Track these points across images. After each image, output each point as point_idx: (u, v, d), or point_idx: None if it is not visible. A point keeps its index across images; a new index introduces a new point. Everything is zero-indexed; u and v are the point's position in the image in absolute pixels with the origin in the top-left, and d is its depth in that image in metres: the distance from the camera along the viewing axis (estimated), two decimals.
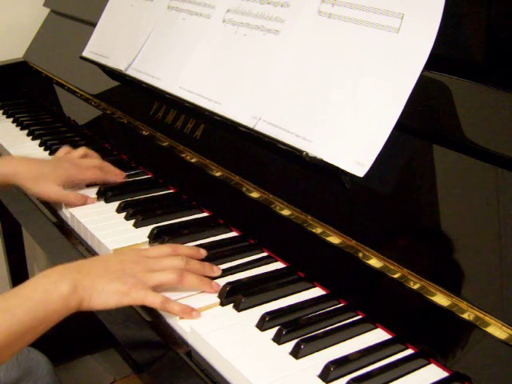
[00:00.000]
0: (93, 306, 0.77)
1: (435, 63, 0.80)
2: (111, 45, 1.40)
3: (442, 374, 0.70)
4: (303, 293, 0.85)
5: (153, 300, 0.78)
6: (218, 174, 1.06)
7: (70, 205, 1.09)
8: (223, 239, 0.98)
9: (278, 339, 0.74)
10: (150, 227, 0.99)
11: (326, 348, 0.74)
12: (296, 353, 0.71)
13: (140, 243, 0.96)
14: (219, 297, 0.82)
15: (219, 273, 0.87)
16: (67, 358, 1.88)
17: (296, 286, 0.85)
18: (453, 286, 0.72)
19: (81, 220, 1.03)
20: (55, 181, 1.09)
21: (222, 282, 0.84)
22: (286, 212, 0.92)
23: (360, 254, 0.81)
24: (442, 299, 0.72)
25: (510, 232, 0.70)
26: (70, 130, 1.49)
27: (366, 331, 0.77)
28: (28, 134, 1.47)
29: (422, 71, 0.80)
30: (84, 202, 1.09)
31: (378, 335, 0.77)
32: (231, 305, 0.81)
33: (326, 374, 0.68)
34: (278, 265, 0.91)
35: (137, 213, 1.03)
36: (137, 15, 1.37)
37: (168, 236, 0.95)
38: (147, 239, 0.97)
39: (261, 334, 0.76)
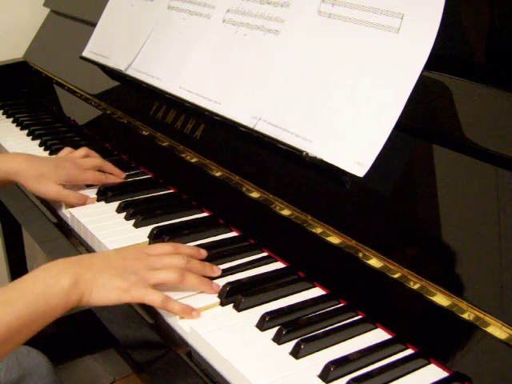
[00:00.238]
0: (93, 301, 0.77)
1: (435, 63, 0.80)
2: (111, 45, 1.40)
3: (442, 373, 0.70)
4: (303, 293, 0.85)
5: (153, 298, 0.78)
6: (218, 174, 1.06)
7: (69, 204, 1.09)
8: (223, 239, 0.98)
9: (278, 339, 0.74)
10: (150, 227, 0.99)
11: (326, 348, 0.74)
12: (296, 353, 0.71)
13: (140, 243, 0.96)
14: (219, 297, 0.82)
15: (219, 273, 0.87)
16: (67, 358, 1.88)
17: (296, 286, 0.85)
18: (453, 286, 0.72)
19: (81, 220, 1.03)
20: (56, 180, 1.09)
21: (222, 282, 0.84)
22: (285, 212, 0.92)
23: (360, 254, 0.81)
24: (441, 299, 0.72)
25: (510, 232, 0.70)
26: (70, 130, 1.49)
27: (366, 331, 0.77)
28: (28, 134, 1.47)
29: (422, 71, 0.80)
30: (84, 202, 1.09)
31: (378, 335, 0.77)
32: (231, 305, 0.81)
33: (325, 374, 0.68)
34: (278, 265, 0.91)
35: (137, 213, 1.03)
36: (137, 15, 1.37)
37: (168, 236, 0.95)
38: (147, 239, 0.97)
39: (261, 334, 0.76)
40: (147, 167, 1.23)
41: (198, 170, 1.09)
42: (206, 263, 0.86)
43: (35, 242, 1.34)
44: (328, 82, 0.90)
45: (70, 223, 1.08)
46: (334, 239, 0.84)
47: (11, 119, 1.58)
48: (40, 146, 1.39)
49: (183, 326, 0.78)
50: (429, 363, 0.72)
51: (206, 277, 0.85)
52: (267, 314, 0.77)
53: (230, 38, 1.10)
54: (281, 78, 0.97)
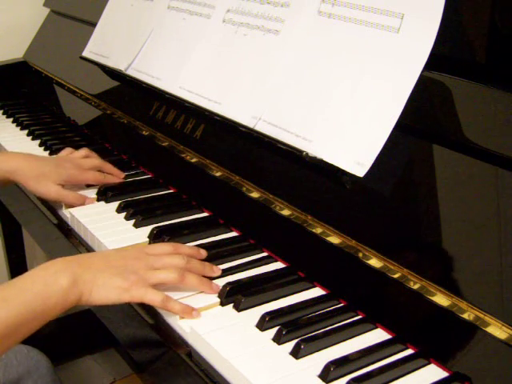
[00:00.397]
0: (92, 300, 0.77)
1: (435, 63, 0.80)
2: (111, 45, 1.40)
3: (442, 373, 0.70)
4: (303, 293, 0.85)
5: (153, 298, 0.78)
6: (218, 174, 1.06)
7: (68, 204, 1.09)
8: (223, 239, 0.98)
9: (278, 339, 0.74)
10: (150, 227, 0.99)
11: (326, 348, 0.74)
12: (296, 353, 0.71)
13: (140, 243, 0.96)
14: (219, 297, 0.82)
15: (219, 273, 0.87)
16: (67, 357, 1.88)
17: (296, 286, 0.85)
18: (453, 286, 0.72)
19: (81, 220, 1.03)
20: (56, 180, 1.09)
21: (222, 282, 0.84)
22: (285, 212, 0.92)
23: (360, 254, 0.81)
24: (441, 299, 0.72)
25: (509, 232, 0.70)
26: (70, 130, 1.49)
27: (366, 331, 0.77)
28: (28, 134, 1.47)
29: (422, 71, 0.80)
30: (83, 202, 1.09)
31: (378, 335, 0.77)
32: (231, 305, 0.81)
33: (325, 374, 0.68)
34: (278, 265, 0.91)
35: (137, 213, 1.03)
36: (137, 15, 1.37)
37: (168, 236, 0.95)
38: (147, 239, 0.97)
39: (261, 334, 0.76)
40: (147, 167, 1.23)
41: (198, 170, 1.09)
42: (206, 263, 0.86)
43: (35, 241, 1.34)
44: (328, 81, 0.90)
45: (69, 223, 1.08)
46: (334, 239, 0.84)
47: (11, 119, 1.58)
48: (40, 145, 1.39)
49: (183, 326, 0.78)
50: (429, 363, 0.72)
51: (205, 277, 0.85)
52: (267, 313, 0.77)
53: (230, 38, 1.10)
54: (281, 77, 0.97)
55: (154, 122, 1.24)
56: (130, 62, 1.32)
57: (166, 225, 1.01)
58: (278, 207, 0.93)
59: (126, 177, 1.19)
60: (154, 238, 0.96)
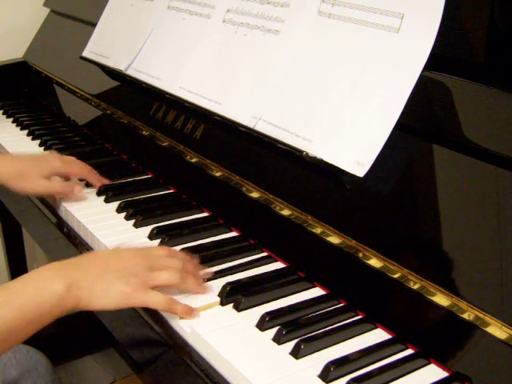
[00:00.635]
0: (92, 306, 0.75)
1: (435, 63, 0.80)
2: (111, 45, 1.40)
3: (442, 373, 0.70)
4: (303, 293, 0.85)
5: (157, 302, 0.77)
6: (218, 174, 1.06)
7: (58, 195, 1.08)
8: (223, 239, 0.98)
9: (278, 339, 0.74)
10: (150, 227, 0.99)
11: (326, 348, 0.73)
12: (296, 353, 0.71)
13: (140, 242, 0.96)
14: (219, 296, 0.82)
15: (210, 275, 0.86)
16: (67, 357, 1.88)
17: (296, 286, 0.85)
18: (453, 286, 0.72)
19: (81, 220, 1.03)
20: (39, 175, 1.06)
21: (222, 282, 0.84)
22: (285, 212, 0.92)
23: (360, 254, 0.81)
24: (442, 299, 0.72)
25: (509, 232, 0.70)
26: (70, 130, 1.49)
27: (366, 331, 0.77)
28: (28, 134, 1.47)
29: (422, 71, 0.80)
30: (71, 190, 1.07)
31: (378, 335, 0.77)
32: (231, 305, 0.81)
33: (325, 374, 0.68)
34: (278, 265, 0.91)
35: (137, 213, 1.03)
36: (137, 15, 1.37)
37: (168, 236, 0.95)
38: (147, 239, 0.97)
39: (261, 333, 0.76)
40: (147, 167, 1.23)
41: (198, 170, 1.09)
42: (198, 265, 0.86)
43: (35, 242, 1.34)
44: (328, 81, 0.90)
45: (69, 223, 1.08)
46: (334, 239, 0.84)
47: (11, 119, 1.58)
48: (40, 145, 1.39)
49: (183, 326, 0.78)
50: (429, 363, 0.72)
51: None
52: (267, 314, 0.77)
53: (230, 38, 1.10)
54: (281, 77, 0.97)
55: (154, 121, 1.24)
56: (130, 62, 1.32)
57: (166, 225, 1.01)
58: (278, 207, 0.93)
59: (126, 177, 1.19)
60: (154, 237, 0.96)
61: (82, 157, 1.30)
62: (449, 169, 0.78)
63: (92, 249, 1.00)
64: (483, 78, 0.76)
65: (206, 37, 1.15)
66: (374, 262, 0.79)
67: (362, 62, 0.87)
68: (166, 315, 0.81)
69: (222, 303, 0.81)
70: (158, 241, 0.95)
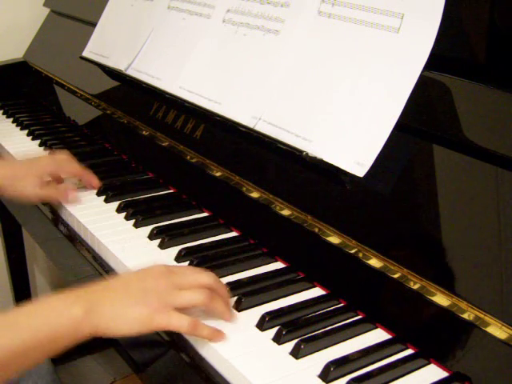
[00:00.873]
0: (111, 332, 0.72)
1: (435, 63, 0.80)
2: (111, 45, 1.40)
3: (442, 374, 0.70)
4: (303, 293, 0.85)
5: (179, 324, 0.71)
6: (218, 174, 1.06)
7: (52, 201, 1.07)
8: (223, 239, 0.98)
9: (278, 339, 0.74)
10: (150, 227, 0.99)
11: (326, 348, 0.73)
12: (296, 353, 0.71)
13: (140, 243, 0.96)
14: None
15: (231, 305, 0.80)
16: (67, 357, 1.88)
17: (296, 286, 0.85)
18: (453, 286, 0.72)
19: (81, 220, 1.03)
20: (32, 181, 1.05)
21: (222, 282, 0.84)
22: (285, 212, 0.92)
23: (360, 254, 0.81)
24: (442, 299, 0.72)
25: (509, 232, 0.70)
26: (70, 130, 1.49)
27: (366, 331, 0.77)
28: (28, 134, 1.47)
29: (422, 71, 0.80)
30: (66, 196, 1.06)
31: (378, 335, 0.77)
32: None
33: (326, 373, 0.68)
34: (278, 265, 0.91)
35: (137, 213, 1.03)
36: (137, 15, 1.37)
37: (168, 236, 0.95)
38: (147, 239, 0.97)
39: (261, 333, 0.76)
40: (147, 167, 1.23)
41: (198, 170, 1.09)
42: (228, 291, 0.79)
43: (35, 242, 1.34)
44: (328, 81, 0.90)
45: (69, 223, 1.08)
46: (334, 239, 0.84)
47: (11, 119, 1.58)
48: (40, 145, 1.39)
49: None
50: (429, 363, 0.72)
51: None
52: (267, 314, 0.77)
53: (230, 38, 1.10)
54: (281, 77, 0.97)
55: (154, 121, 1.24)
56: (130, 62, 1.32)
57: (166, 225, 1.01)
58: (278, 207, 0.93)
59: (127, 176, 1.19)
60: (154, 237, 0.96)
61: (82, 157, 1.30)
62: (449, 169, 0.78)
63: (92, 249, 1.00)
64: (483, 78, 0.76)
65: (206, 37, 1.15)
66: (374, 262, 0.79)
67: (362, 61, 0.87)
68: None
69: None
70: (159, 241, 0.95)
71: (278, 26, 1.01)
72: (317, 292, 0.85)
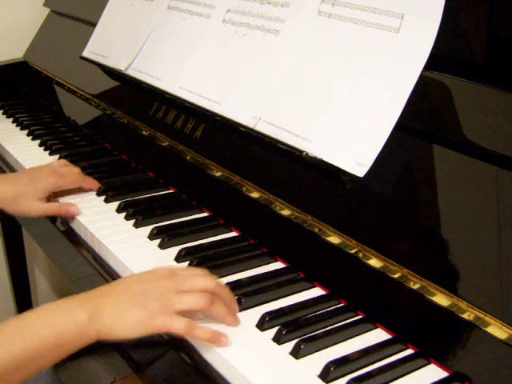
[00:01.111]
0: (114, 337, 0.71)
1: (435, 63, 0.80)
2: (111, 45, 1.40)
3: (442, 374, 0.70)
4: (303, 293, 0.85)
5: (178, 327, 0.71)
6: (218, 174, 1.06)
7: (57, 216, 1.07)
8: (223, 239, 0.98)
9: (278, 339, 0.74)
10: (150, 227, 0.99)
11: (326, 348, 0.73)
12: (296, 353, 0.71)
13: (140, 243, 0.96)
14: None
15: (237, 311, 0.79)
16: (67, 358, 1.88)
17: (296, 286, 0.85)
18: (453, 286, 0.72)
19: (81, 220, 1.03)
20: (34, 197, 1.05)
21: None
22: (285, 212, 0.92)
23: (360, 254, 0.81)
24: (442, 299, 0.72)
25: (509, 232, 0.70)
26: (70, 130, 1.49)
27: (366, 331, 0.77)
28: (28, 134, 1.47)
29: (422, 71, 0.80)
30: (67, 209, 1.05)
31: (378, 335, 0.77)
32: None
33: (325, 373, 0.68)
34: (278, 265, 0.91)
35: (137, 213, 1.03)
36: (137, 15, 1.37)
37: (168, 236, 0.95)
38: (147, 239, 0.97)
39: (261, 333, 0.76)
40: (147, 167, 1.23)
41: (198, 170, 1.09)
42: (233, 296, 0.78)
43: (35, 242, 1.34)
44: (328, 81, 0.90)
45: (69, 223, 1.08)
46: (334, 239, 0.84)
47: (11, 119, 1.58)
48: (40, 145, 1.39)
49: None
50: (429, 363, 0.72)
51: None
52: (267, 314, 0.77)
53: (230, 38, 1.10)
54: (281, 77, 0.97)
55: (154, 121, 1.24)
56: (130, 62, 1.32)
57: (166, 225, 1.01)
58: (278, 207, 0.93)
59: (127, 176, 1.19)
60: (154, 237, 0.96)
61: (82, 157, 1.30)
62: (449, 169, 0.78)
63: (92, 249, 1.00)
64: (483, 78, 0.76)
65: (206, 37, 1.15)
66: (374, 262, 0.79)
67: (362, 61, 0.87)
68: None
69: None
70: (159, 241, 0.95)
71: (278, 25, 1.01)
72: (317, 292, 0.85)
